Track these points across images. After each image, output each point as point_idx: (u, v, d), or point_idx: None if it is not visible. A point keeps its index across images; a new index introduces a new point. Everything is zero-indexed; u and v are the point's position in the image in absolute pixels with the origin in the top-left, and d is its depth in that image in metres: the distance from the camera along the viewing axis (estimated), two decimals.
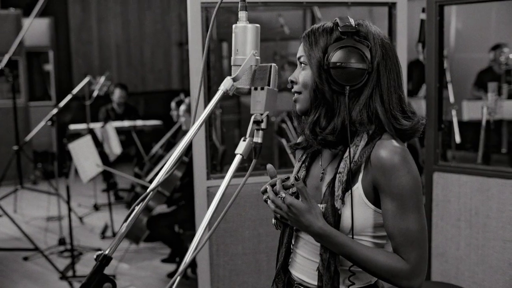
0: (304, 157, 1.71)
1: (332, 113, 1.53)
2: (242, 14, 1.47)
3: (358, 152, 1.52)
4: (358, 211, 1.52)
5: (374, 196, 1.52)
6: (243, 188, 3.19)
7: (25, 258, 5.21)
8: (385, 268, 1.48)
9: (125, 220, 1.37)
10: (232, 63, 1.47)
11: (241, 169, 4.65)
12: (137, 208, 1.38)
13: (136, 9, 10.78)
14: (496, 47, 6.75)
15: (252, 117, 1.39)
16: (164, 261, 5.06)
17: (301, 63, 1.60)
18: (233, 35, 1.47)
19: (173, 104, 5.74)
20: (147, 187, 5.26)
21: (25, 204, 6.88)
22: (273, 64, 1.43)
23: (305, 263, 1.65)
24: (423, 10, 3.20)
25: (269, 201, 1.54)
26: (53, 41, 9.37)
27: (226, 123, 6.23)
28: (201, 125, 1.41)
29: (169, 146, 5.78)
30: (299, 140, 1.76)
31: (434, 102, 3.21)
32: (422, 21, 3.19)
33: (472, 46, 8.18)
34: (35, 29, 8.73)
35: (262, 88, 1.41)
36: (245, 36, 1.46)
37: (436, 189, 3.21)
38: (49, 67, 9.48)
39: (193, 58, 2.94)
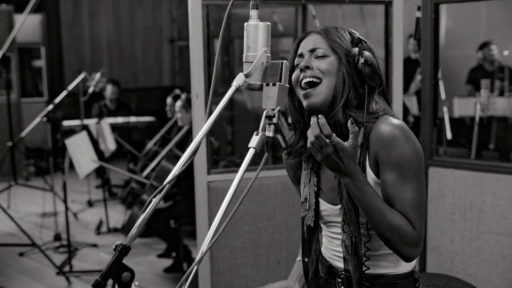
0: (309, 162, 1.73)
1: (358, 103, 1.63)
2: (253, 13, 1.51)
3: (361, 138, 1.60)
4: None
5: (377, 169, 1.60)
6: (242, 183, 3.22)
7: (21, 254, 5.22)
8: (396, 228, 1.51)
9: (143, 212, 1.41)
10: (244, 60, 1.51)
11: (237, 165, 4.68)
12: (154, 200, 1.42)
13: (128, 5, 10.78)
14: (484, 46, 6.82)
15: (264, 112, 1.44)
16: (160, 256, 5.10)
17: (317, 55, 1.63)
18: (245, 32, 1.52)
19: (169, 100, 5.76)
20: (143, 183, 5.29)
21: (19, 200, 6.88)
22: (284, 61, 1.48)
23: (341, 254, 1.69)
24: (419, 8, 3.26)
25: (309, 134, 1.51)
26: (45, 37, 9.35)
27: (219, 119, 6.26)
28: (213, 121, 1.45)
29: (164, 142, 5.81)
30: (291, 140, 1.76)
31: (429, 99, 3.27)
32: (417, 19, 3.24)
33: (462, 44, 8.26)
34: (27, 25, 8.70)
35: (274, 84, 1.46)
36: (256, 33, 1.50)
37: (431, 183, 3.28)
38: (41, 63, 9.46)
39: (194, 55, 2.98)
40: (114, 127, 6.85)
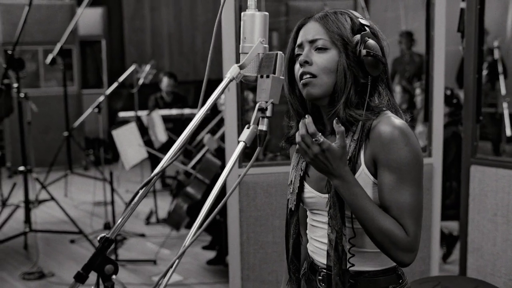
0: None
1: (360, 94, 1.57)
2: (251, 2, 1.47)
3: (358, 132, 1.55)
4: (367, 191, 1.53)
5: (374, 169, 1.54)
6: (274, 177, 3.17)
7: (72, 241, 5.37)
8: (387, 232, 1.47)
9: (129, 203, 1.39)
10: (240, 51, 1.48)
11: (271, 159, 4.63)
12: (141, 192, 1.39)
13: None
14: None
15: (257, 105, 1.40)
16: (204, 248, 5.12)
17: (317, 46, 1.57)
18: (241, 23, 1.48)
19: None
20: (190, 174, 5.33)
21: (74, 189, 7.08)
22: (279, 52, 1.43)
23: (323, 246, 1.64)
24: None
25: (296, 135, 1.48)
26: (106, 30, 9.57)
27: (274, 113, 6.23)
28: (205, 113, 1.43)
29: (214, 134, 5.82)
30: (292, 131, 1.72)
31: (472, 94, 3.12)
32: (461, 10, 3.10)
33: None
34: (89, 18, 8.96)
35: (268, 76, 1.41)
36: (253, 23, 1.46)
37: (472, 182, 3.13)
38: (102, 55, 9.69)
39: (226, 48, 2.96)
40: (168, 119, 6.92)
